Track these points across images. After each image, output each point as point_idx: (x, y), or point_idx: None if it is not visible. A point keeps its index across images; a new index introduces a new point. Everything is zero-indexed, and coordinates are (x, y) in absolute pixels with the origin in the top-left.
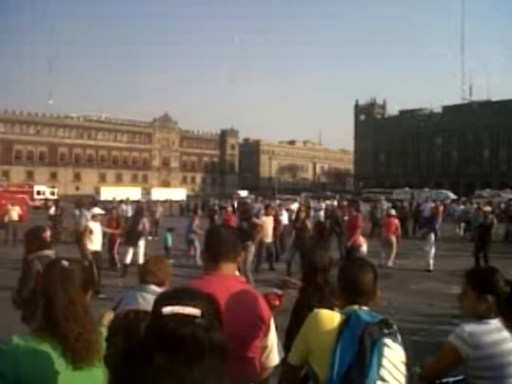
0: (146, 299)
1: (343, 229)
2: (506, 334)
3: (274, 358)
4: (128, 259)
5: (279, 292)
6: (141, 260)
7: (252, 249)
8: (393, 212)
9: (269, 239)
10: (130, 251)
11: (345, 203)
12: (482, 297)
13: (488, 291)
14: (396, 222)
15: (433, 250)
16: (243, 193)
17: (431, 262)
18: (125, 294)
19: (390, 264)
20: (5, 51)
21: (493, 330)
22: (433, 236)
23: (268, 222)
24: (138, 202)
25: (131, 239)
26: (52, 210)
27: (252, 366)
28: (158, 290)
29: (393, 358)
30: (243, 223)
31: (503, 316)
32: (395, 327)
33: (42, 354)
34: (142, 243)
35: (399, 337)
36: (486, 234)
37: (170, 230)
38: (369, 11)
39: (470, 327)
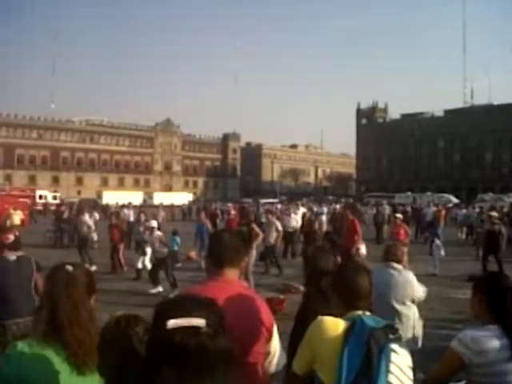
0: (393, 273)
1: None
2: (506, 340)
3: (277, 363)
4: (139, 265)
5: (281, 297)
6: (148, 265)
7: (254, 253)
8: (396, 216)
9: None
10: (140, 258)
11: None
12: (488, 302)
13: (494, 296)
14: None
15: (442, 253)
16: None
17: (434, 267)
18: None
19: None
20: (6, 55)
21: (495, 336)
22: (438, 240)
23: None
24: (140, 207)
25: (138, 248)
26: (66, 214)
27: (255, 372)
28: (398, 266)
29: (400, 364)
30: (243, 228)
31: (500, 322)
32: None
33: (45, 359)
34: (149, 250)
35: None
36: (495, 239)
37: (174, 234)
38: (369, 14)
39: (472, 333)
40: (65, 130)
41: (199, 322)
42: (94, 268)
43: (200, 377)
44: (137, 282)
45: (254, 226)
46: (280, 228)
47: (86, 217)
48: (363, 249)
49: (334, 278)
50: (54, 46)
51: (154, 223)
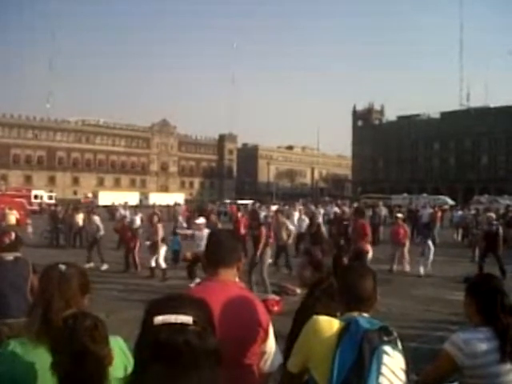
0: None
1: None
2: (496, 342)
3: (273, 364)
4: (152, 263)
5: (277, 297)
6: (162, 263)
7: (269, 254)
8: (398, 216)
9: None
10: (153, 257)
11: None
12: (477, 304)
13: (483, 298)
14: (394, 226)
15: (431, 256)
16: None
17: (423, 268)
18: None
19: (407, 269)
20: (2, 55)
21: (486, 339)
22: (430, 242)
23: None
24: (135, 207)
25: (152, 249)
26: (61, 213)
27: (251, 372)
28: None
29: (392, 366)
30: (255, 231)
31: (490, 324)
32: (395, 334)
33: (37, 358)
34: (162, 251)
35: (399, 344)
36: (494, 240)
37: (175, 234)
38: (366, 14)
39: (465, 335)
40: (61, 130)
41: (186, 319)
42: (105, 267)
43: (187, 374)
44: (150, 280)
45: (263, 232)
46: (291, 227)
47: (96, 217)
48: (370, 252)
49: (339, 277)
50: (50, 46)
51: (202, 220)
